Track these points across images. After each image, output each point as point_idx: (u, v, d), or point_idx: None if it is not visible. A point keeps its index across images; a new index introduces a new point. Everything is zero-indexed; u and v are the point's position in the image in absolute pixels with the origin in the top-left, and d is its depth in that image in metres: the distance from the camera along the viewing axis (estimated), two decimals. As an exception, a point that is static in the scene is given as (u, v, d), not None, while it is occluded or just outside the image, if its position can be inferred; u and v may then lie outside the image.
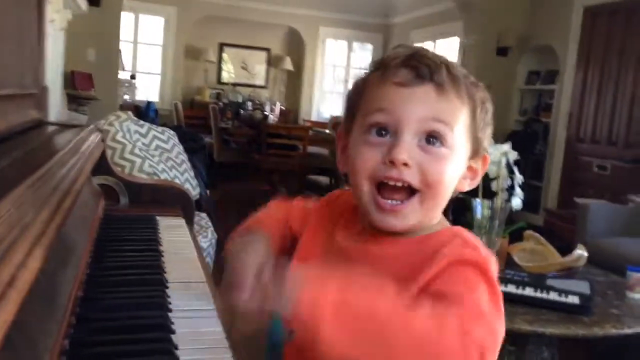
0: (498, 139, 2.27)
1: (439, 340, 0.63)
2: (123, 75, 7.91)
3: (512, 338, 1.92)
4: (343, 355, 0.64)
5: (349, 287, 0.65)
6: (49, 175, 0.81)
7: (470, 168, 0.82)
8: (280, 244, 0.93)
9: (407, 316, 0.64)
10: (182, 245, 1.31)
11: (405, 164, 0.75)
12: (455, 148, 0.77)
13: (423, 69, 0.77)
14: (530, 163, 6.18)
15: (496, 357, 0.69)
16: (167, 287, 0.99)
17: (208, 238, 2.72)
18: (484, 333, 0.66)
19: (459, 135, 0.77)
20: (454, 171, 0.78)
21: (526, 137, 6.21)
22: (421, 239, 0.79)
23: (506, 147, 2.16)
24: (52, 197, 0.74)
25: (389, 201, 0.77)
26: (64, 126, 1.51)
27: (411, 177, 0.75)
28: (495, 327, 0.68)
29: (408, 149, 0.75)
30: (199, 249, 1.31)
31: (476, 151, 0.81)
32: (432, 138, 0.76)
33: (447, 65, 0.78)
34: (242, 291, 0.72)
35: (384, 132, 0.77)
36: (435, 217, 0.81)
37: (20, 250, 0.53)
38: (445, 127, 0.76)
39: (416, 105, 0.76)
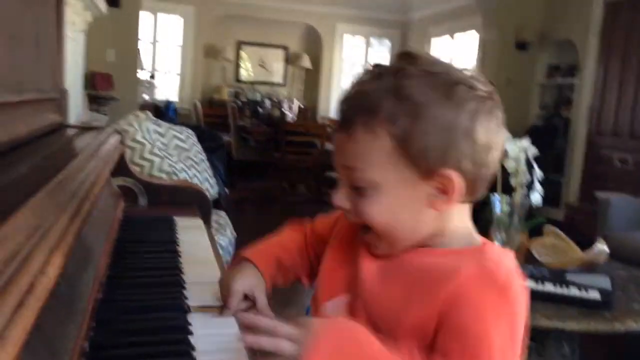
0: (517, 133, 2.26)
1: None
2: (142, 75, 7.98)
3: (533, 334, 1.90)
4: None
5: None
6: (68, 180, 0.82)
7: (438, 187, 0.76)
8: (279, 272, 0.99)
9: None
10: (199, 245, 1.33)
11: (342, 208, 0.80)
12: (379, 184, 0.76)
13: (340, 112, 0.79)
14: (551, 158, 6.11)
15: None
16: (184, 288, 1.00)
17: (227, 236, 2.74)
18: None
19: (378, 170, 0.75)
20: (389, 205, 0.77)
21: (547, 131, 6.15)
22: (443, 253, 0.79)
23: (525, 142, 2.15)
24: (71, 203, 0.75)
25: (362, 234, 0.83)
26: (83, 129, 1.53)
27: (353, 218, 0.81)
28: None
29: (344, 193, 0.80)
30: (216, 249, 1.32)
31: (425, 169, 0.75)
32: (352, 183, 0.78)
33: (367, 93, 0.76)
34: (228, 312, 0.90)
35: None
36: (430, 230, 0.80)
37: (39, 257, 0.54)
38: (355, 173, 0.77)
39: (336, 153, 0.80)
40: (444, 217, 0.79)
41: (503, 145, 0.79)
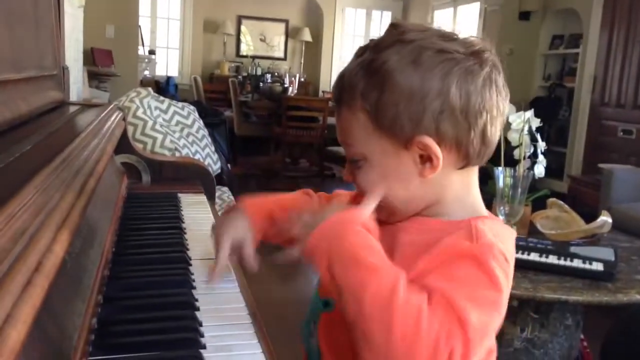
0: (521, 105, 2.24)
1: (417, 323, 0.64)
2: (142, 50, 7.93)
3: (536, 306, 1.92)
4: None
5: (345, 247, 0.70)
6: (72, 158, 0.82)
7: (421, 154, 0.76)
8: (272, 228, 0.97)
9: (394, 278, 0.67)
10: (203, 221, 1.33)
11: (348, 181, 0.83)
12: (367, 156, 0.78)
13: (332, 93, 0.82)
14: (555, 129, 6.10)
15: (476, 349, 0.66)
16: (190, 264, 1.00)
17: (231, 212, 2.74)
18: (458, 343, 0.64)
19: (363, 143, 0.78)
20: (378, 175, 0.78)
21: (550, 102, 6.12)
22: (436, 224, 0.79)
23: (528, 114, 2.13)
24: (75, 180, 0.75)
25: None
26: (85, 106, 1.53)
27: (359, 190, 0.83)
28: (475, 336, 0.65)
29: (350, 168, 0.82)
30: (221, 225, 1.32)
31: (401, 138, 0.75)
32: (348, 157, 0.81)
33: (344, 75, 0.79)
34: (217, 264, 0.90)
35: None
36: (438, 196, 0.79)
37: (45, 235, 0.54)
38: (348, 148, 0.80)
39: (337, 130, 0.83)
40: (441, 185, 0.78)
41: (500, 107, 0.77)
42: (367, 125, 0.76)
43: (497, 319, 0.70)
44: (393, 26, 0.79)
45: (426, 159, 0.76)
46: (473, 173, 0.82)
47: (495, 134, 0.78)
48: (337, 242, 0.70)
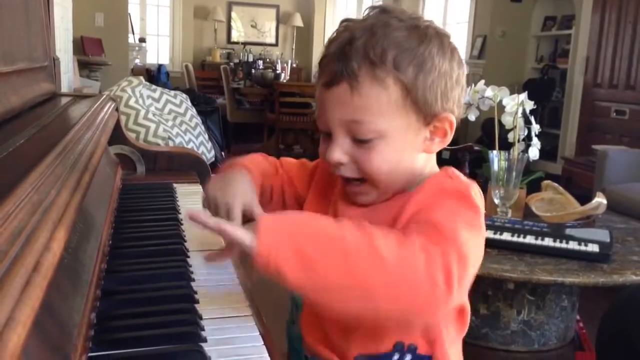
0: (514, 87, 2.24)
1: (405, 261, 0.67)
2: (132, 38, 7.87)
3: (532, 288, 1.93)
4: (305, 290, 0.69)
5: (303, 227, 0.70)
6: (66, 152, 0.81)
7: (435, 130, 0.82)
8: (264, 192, 0.97)
9: (370, 237, 0.68)
10: (199, 212, 1.32)
11: (340, 163, 0.81)
12: (386, 132, 0.78)
13: (338, 66, 0.78)
14: (548, 111, 6.10)
15: (469, 278, 0.72)
16: (188, 256, 1.00)
17: (226, 200, 2.74)
18: (454, 257, 0.68)
19: (387, 119, 0.78)
20: (394, 152, 0.80)
21: (543, 84, 6.11)
22: (410, 195, 0.82)
23: (522, 96, 2.13)
24: (70, 176, 0.74)
25: (350, 186, 0.84)
26: (77, 97, 1.51)
27: (349, 172, 0.82)
28: (468, 252, 0.71)
29: (341, 147, 0.80)
30: (217, 214, 1.32)
31: (429, 114, 0.80)
32: (357, 136, 0.79)
33: (367, 45, 0.76)
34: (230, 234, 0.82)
35: (327, 132, 0.82)
36: (414, 175, 0.83)
37: (42, 234, 0.53)
38: (363, 125, 0.78)
39: (335, 108, 0.79)
40: (428, 160, 0.85)
41: None
42: (398, 98, 0.77)
43: (482, 239, 0.77)
44: (385, 10, 0.82)
45: (436, 134, 0.82)
46: None
47: None
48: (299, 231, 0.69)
